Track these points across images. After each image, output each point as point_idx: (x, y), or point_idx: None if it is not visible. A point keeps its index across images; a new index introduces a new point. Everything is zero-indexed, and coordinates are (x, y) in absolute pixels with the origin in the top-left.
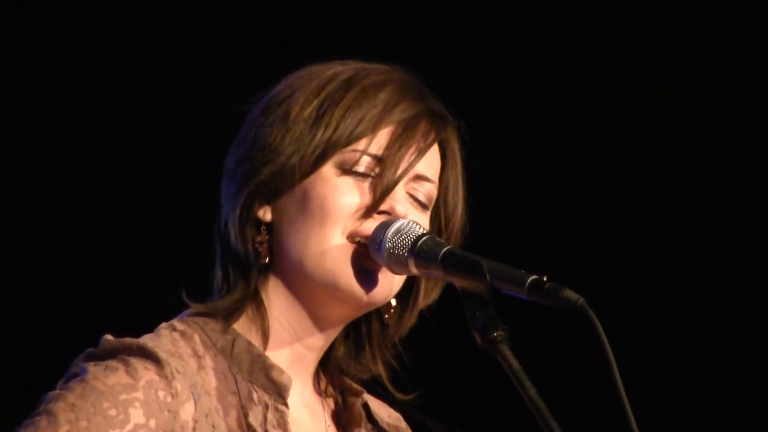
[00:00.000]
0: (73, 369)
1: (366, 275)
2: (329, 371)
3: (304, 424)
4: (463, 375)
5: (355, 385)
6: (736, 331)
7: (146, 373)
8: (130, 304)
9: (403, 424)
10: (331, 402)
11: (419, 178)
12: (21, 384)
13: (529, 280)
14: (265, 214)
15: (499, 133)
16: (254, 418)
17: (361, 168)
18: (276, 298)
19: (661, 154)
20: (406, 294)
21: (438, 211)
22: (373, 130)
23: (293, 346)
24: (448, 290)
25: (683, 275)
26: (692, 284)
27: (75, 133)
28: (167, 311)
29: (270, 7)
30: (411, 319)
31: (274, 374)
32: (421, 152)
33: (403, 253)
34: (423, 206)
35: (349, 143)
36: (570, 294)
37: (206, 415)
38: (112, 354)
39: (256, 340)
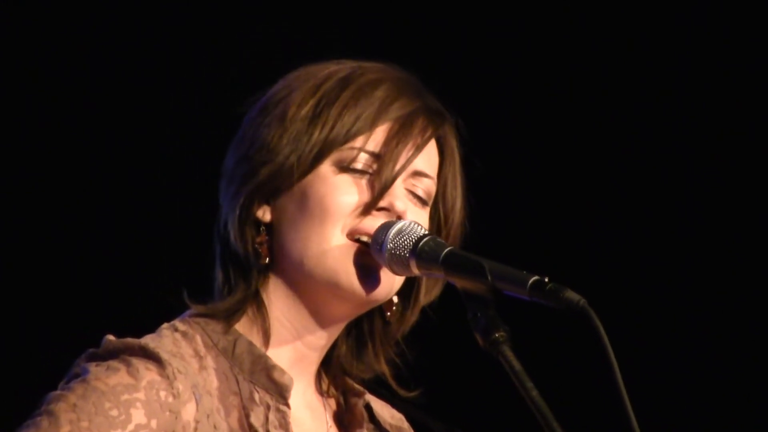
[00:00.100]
0: (74, 369)
1: (367, 273)
2: (331, 371)
3: (305, 425)
4: (466, 372)
5: (357, 386)
6: (737, 331)
7: (148, 373)
8: (131, 304)
9: (406, 425)
10: (332, 402)
11: (418, 174)
12: (22, 384)
13: (530, 281)
14: (265, 214)
15: (499, 133)
16: (256, 419)
17: (359, 165)
18: (277, 298)
19: (661, 154)
20: (407, 291)
21: (437, 207)
22: (370, 127)
23: (295, 345)
24: (450, 287)
25: (684, 276)
26: (693, 284)
27: (75, 134)
28: (168, 312)
29: (269, 7)
30: (413, 317)
31: (276, 375)
32: (419, 148)
33: (405, 254)
34: (422, 202)
35: (346, 141)
36: (571, 295)
37: (208, 416)
38: (113, 354)
39: (257, 341)
